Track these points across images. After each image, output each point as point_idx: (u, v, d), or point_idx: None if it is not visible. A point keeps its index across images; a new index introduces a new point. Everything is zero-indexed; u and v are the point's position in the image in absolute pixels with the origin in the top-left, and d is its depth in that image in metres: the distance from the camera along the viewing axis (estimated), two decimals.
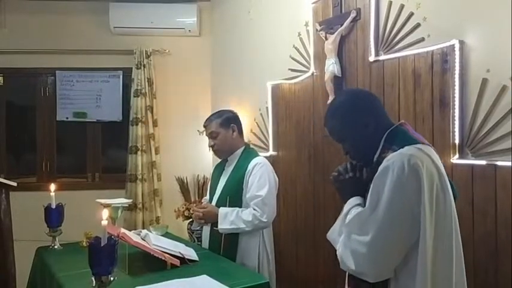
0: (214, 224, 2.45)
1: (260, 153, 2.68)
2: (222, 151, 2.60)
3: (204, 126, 2.63)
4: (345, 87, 2.83)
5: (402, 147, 1.38)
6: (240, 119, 2.68)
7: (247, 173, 2.46)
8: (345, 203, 1.51)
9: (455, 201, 1.43)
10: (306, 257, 3.25)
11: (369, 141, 1.47)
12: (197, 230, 4.16)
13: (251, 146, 2.77)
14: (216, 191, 2.61)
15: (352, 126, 1.49)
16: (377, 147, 1.46)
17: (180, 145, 4.74)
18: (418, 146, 1.39)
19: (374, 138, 1.47)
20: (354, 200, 1.48)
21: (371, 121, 1.47)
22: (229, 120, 2.58)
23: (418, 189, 1.29)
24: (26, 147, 4.85)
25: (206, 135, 2.62)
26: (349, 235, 1.39)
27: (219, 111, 2.67)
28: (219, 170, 2.69)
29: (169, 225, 3.13)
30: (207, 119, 2.63)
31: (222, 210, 2.43)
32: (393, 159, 1.34)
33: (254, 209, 2.38)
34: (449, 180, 1.43)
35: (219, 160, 2.75)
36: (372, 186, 1.38)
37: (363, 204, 1.43)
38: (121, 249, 1.87)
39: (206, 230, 2.58)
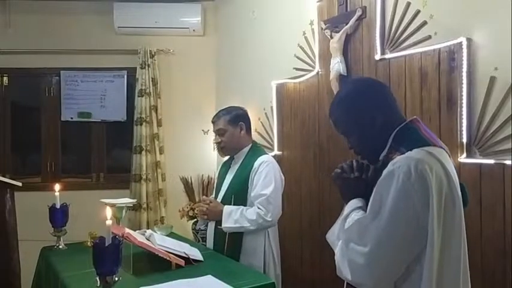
0: (218, 222, 2.43)
1: (271, 155, 2.63)
2: (228, 148, 2.57)
3: (212, 122, 2.59)
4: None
5: (410, 150, 1.27)
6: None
7: (252, 171, 2.43)
8: (346, 203, 1.43)
9: (465, 207, 1.34)
10: (311, 257, 3.24)
11: (376, 137, 1.38)
12: (202, 230, 4.16)
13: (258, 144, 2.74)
14: (222, 189, 2.59)
15: (357, 119, 1.39)
16: (384, 145, 1.36)
17: (184, 145, 4.73)
18: (428, 148, 1.28)
19: (381, 135, 1.37)
20: (355, 202, 1.40)
21: (378, 115, 1.36)
22: (238, 117, 2.55)
23: (425, 198, 1.20)
24: (31, 148, 4.86)
25: (213, 131, 2.59)
26: (347, 243, 1.31)
27: (228, 108, 2.63)
28: (225, 167, 2.67)
29: (173, 225, 3.12)
30: (216, 115, 2.60)
31: (227, 208, 2.41)
32: (399, 164, 1.24)
33: (259, 208, 2.35)
34: (462, 185, 1.34)
35: (225, 159, 2.73)
36: (374, 190, 1.29)
37: (365, 208, 1.34)
38: (125, 249, 1.86)
39: (210, 229, 2.56)
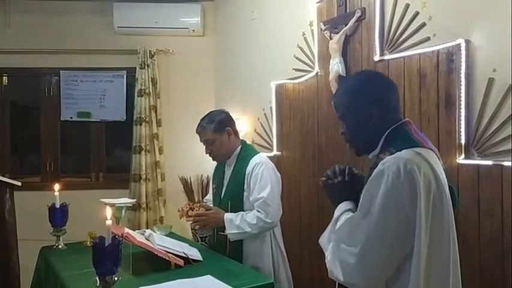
0: (219, 229, 2.41)
1: (264, 154, 2.61)
2: (219, 156, 2.52)
3: (197, 133, 2.52)
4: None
5: (400, 150, 1.30)
6: (232, 117, 2.57)
7: (247, 175, 2.40)
8: (336, 207, 1.45)
9: (454, 209, 1.36)
10: (310, 258, 3.24)
11: (368, 132, 1.41)
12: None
13: (247, 142, 2.67)
14: (221, 194, 2.55)
15: (355, 111, 1.42)
16: (375, 142, 1.40)
17: (183, 145, 4.72)
18: (417, 149, 1.32)
19: (374, 131, 1.40)
20: (344, 205, 1.42)
21: (376, 112, 1.39)
22: (223, 123, 2.47)
23: (413, 196, 1.22)
24: (30, 147, 4.86)
25: (201, 141, 2.51)
26: (338, 243, 1.32)
27: (209, 115, 2.54)
28: (220, 172, 2.62)
29: (173, 225, 3.12)
30: (199, 125, 2.50)
31: (227, 215, 2.37)
32: (389, 163, 1.26)
33: (258, 211, 2.32)
34: (451, 187, 1.36)
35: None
36: (364, 190, 1.31)
37: (354, 210, 1.35)
38: (125, 249, 1.86)
39: (212, 235, 2.53)
